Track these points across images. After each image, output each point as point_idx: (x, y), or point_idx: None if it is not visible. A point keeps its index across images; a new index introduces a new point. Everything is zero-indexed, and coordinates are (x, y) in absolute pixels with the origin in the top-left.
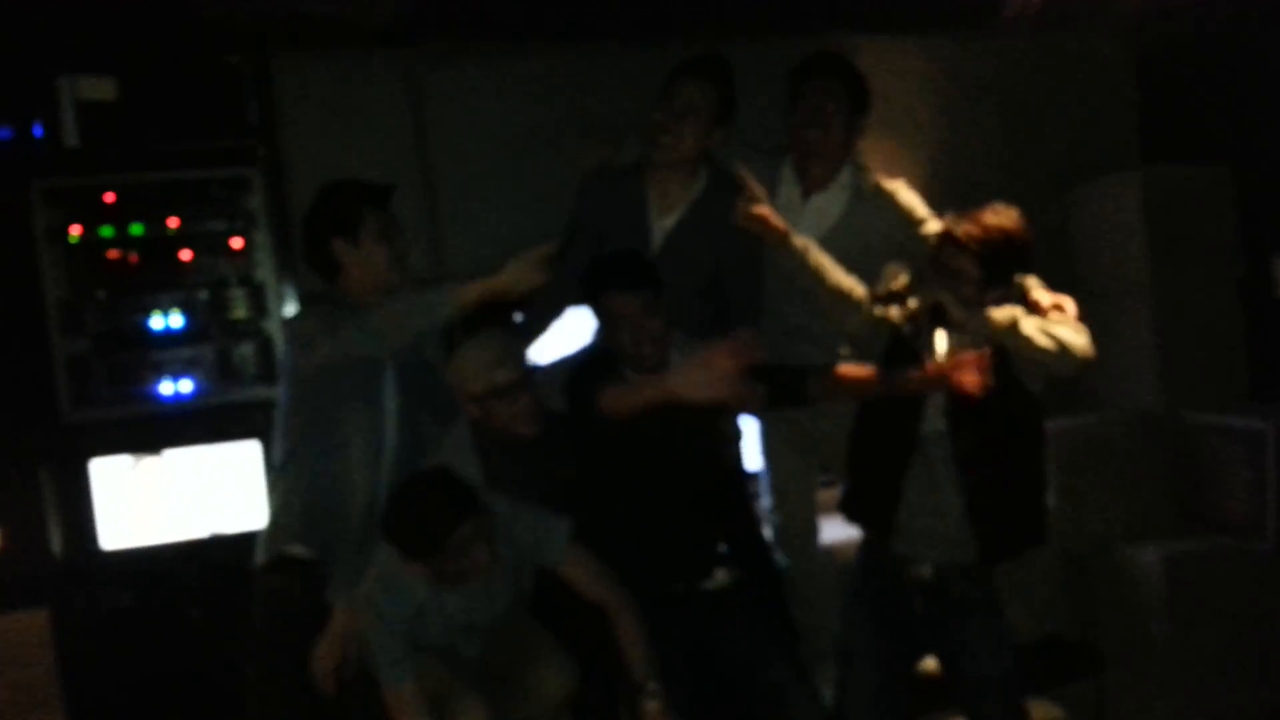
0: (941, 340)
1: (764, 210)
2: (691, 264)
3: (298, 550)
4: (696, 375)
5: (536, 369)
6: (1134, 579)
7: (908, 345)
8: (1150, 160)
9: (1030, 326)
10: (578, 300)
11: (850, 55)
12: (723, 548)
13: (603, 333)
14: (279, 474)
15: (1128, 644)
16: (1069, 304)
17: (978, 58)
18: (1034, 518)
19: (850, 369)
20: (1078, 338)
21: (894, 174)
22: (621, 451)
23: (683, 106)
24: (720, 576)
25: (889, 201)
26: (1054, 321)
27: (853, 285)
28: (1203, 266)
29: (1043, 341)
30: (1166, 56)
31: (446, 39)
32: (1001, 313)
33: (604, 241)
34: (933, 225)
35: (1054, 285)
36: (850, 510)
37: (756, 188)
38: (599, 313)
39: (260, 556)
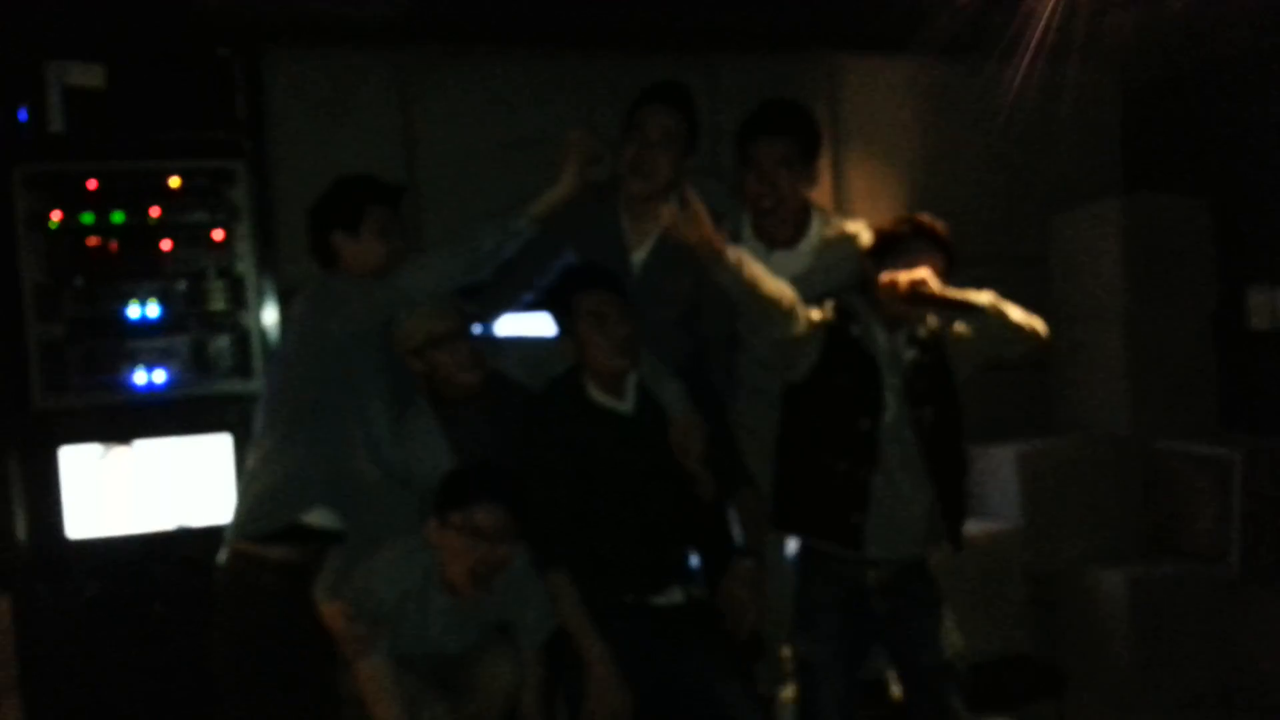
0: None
1: (703, 222)
2: (667, 294)
3: (318, 519)
4: None
5: (500, 340)
6: (1099, 601)
7: (853, 344)
8: (1132, 190)
9: (1010, 308)
10: (532, 294)
11: (835, 75)
12: (693, 562)
13: (572, 342)
14: (281, 444)
15: (1091, 665)
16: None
17: (964, 83)
18: (964, 499)
19: None
20: (1037, 321)
21: (876, 196)
22: (583, 469)
23: (660, 136)
24: (674, 593)
25: (851, 247)
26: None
27: (784, 293)
28: (1178, 295)
29: (1022, 320)
30: (1151, 89)
31: (439, 41)
32: (982, 295)
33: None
34: (865, 234)
35: (1031, 309)
36: (796, 524)
37: (695, 200)
38: (571, 318)
39: (260, 526)
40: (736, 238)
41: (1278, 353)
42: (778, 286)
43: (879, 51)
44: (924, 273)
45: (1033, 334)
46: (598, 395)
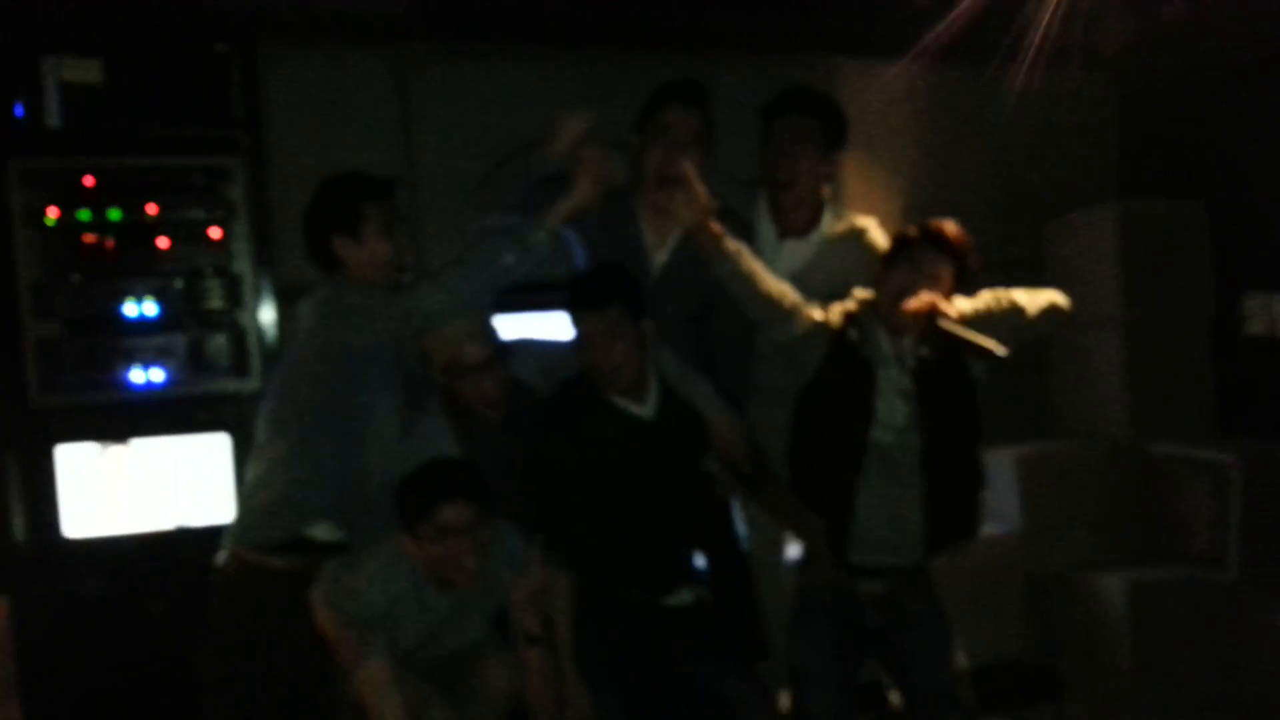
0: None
1: (700, 204)
2: (686, 294)
3: (322, 532)
4: None
5: (513, 344)
6: (1098, 606)
7: (851, 350)
8: (1127, 196)
9: (1025, 301)
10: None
11: (832, 78)
12: (699, 563)
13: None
14: (288, 456)
15: (1089, 670)
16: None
17: (961, 88)
18: (976, 511)
19: None
20: (1050, 294)
21: (873, 200)
22: (595, 469)
23: (684, 136)
24: (684, 594)
25: (860, 242)
26: (1003, 293)
27: (784, 292)
28: (1174, 300)
29: (1037, 310)
30: (1146, 95)
31: (437, 38)
32: (997, 298)
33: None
34: (874, 230)
35: None
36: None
37: (698, 185)
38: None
39: (265, 536)
40: (750, 230)
41: (1274, 358)
42: (778, 286)
43: (876, 56)
44: (940, 303)
45: (1052, 315)
46: (617, 400)
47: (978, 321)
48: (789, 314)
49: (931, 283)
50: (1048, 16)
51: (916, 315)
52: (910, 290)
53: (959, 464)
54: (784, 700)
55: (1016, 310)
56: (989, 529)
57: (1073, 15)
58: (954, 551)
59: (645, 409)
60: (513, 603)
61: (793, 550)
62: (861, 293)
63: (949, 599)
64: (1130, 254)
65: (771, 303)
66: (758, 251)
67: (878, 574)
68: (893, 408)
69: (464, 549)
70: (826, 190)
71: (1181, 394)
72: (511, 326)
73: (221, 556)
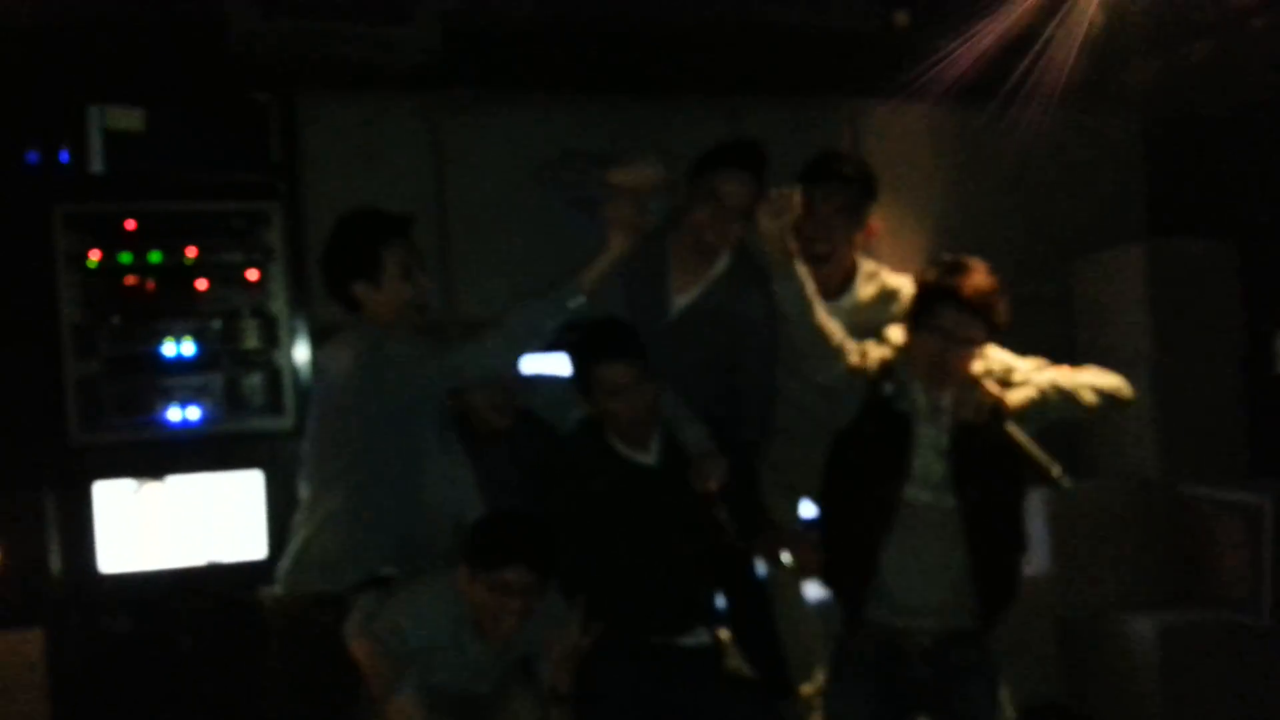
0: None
1: (790, 212)
2: (704, 340)
3: (390, 570)
4: None
5: (524, 376)
6: (1129, 649)
7: (886, 403)
8: (1156, 234)
9: (1074, 384)
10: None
11: (856, 120)
12: (718, 603)
13: (592, 400)
14: (348, 509)
15: (1121, 712)
16: (1024, 360)
17: (986, 128)
18: (1016, 573)
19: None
20: (1111, 379)
21: (899, 241)
22: (604, 518)
23: (734, 203)
24: (700, 634)
25: (893, 305)
26: (1065, 372)
27: (833, 329)
28: (1204, 340)
29: (1095, 394)
30: (1174, 133)
31: (469, 86)
32: (1042, 377)
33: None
34: (908, 289)
35: (1056, 354)
36: (830, 578)
37: (783, 199)
38: (587, 381)
39: (331, 585)
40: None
41: None
42: (831, 322)
43: (900, 97)
44: (1003, 399)
45: (1112, 403)
46: (621, 447)
47: (1036, 405)
48: (834, 352)
49: (966, 347)
50: (1074, 56)
51: (979, 408)
52: (945, 360)
53: (998, 525)
54: None
55: (1074, 399)
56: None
57: (1100, 54)
58: (1000, 619)
59: (649, 456)
60: (547, 660)
61: (813, 589)
62: (895, 334)
63: None
64: (1159, 293)
65: (822, 336)
66: None
67: (920, 632)
68: (929, 465)
69: (510, 609)
70: (859, 253)
71: (1212, 434)
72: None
73: (275, 591)
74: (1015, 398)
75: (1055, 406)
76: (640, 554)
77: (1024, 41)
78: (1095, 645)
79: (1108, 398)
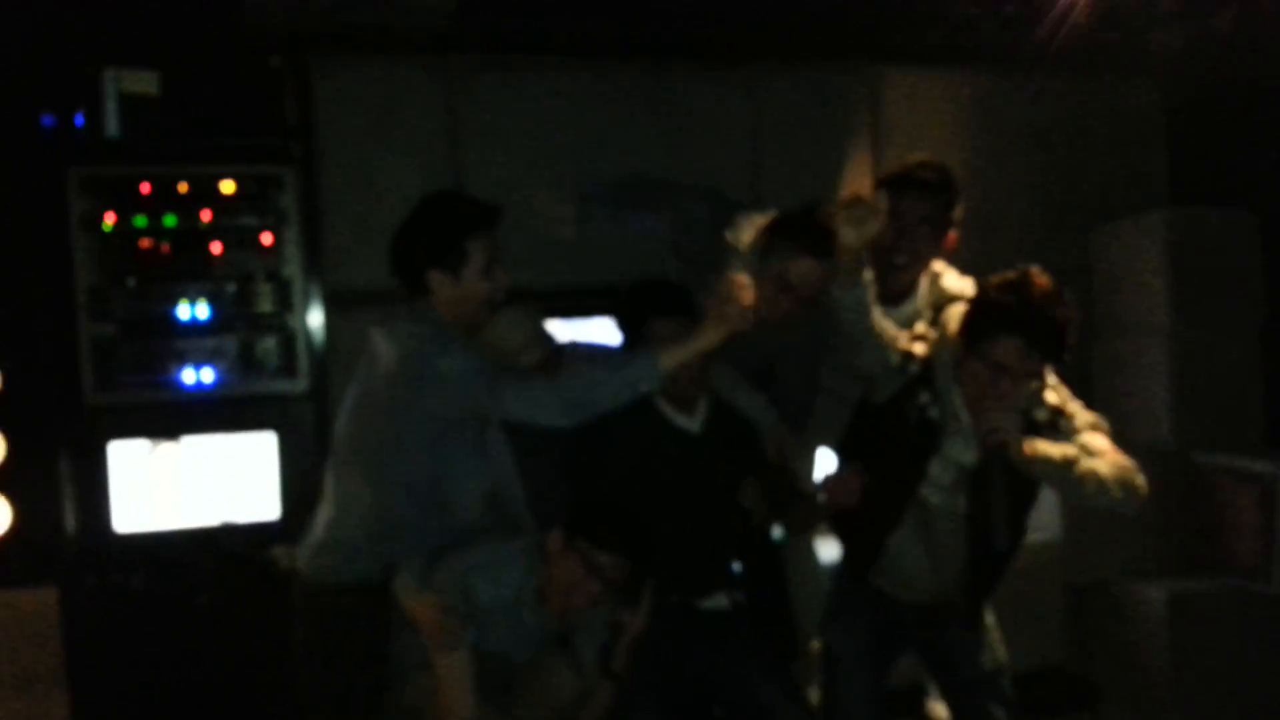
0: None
1: (878, 224)
2: (749, 349)
3: None
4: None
5: (571, 346)
6: (1137, 616)
7: (909, 400)
8: (1177, 203)
9: (1097, 471)
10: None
11: (878, 87)
12: (735, 567)
13: None
14: (376, 505)
15: (1127, 679)
16: (1082, 412)
17: (1009, 96)
18: (1005, 568)
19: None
20: (1138, 477)
21: None
22: (637, 476)
23: (804, 288)
24: (720, 598)
25: (954, 312)
26: (1100, 451)
27: (887, 329)
28: (1223, 310)
29: (1117, 494)
30: (1196, 103)
31: (483, 50)
32: (1056, 450)
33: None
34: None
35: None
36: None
37: (866, 208)
38: (640, 336)
39: (352, 575)
40: None
41: None
42: (884, 321)
43: (921, 63)
44: (1036, 450)
45: (1130, 495)
46: (666, 409)
47: (1057, 466)
48: (888, 345)
49: (1021, 382)
50: (1097, 24)
51: (1010, 443)
52: (994, 390)
53: (1002, 529)
54: (814, 695)
55: (1097, 478)
56: (1030, 537)
57: (1122, 22)
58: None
59: (693, 423)
60: (589, 633)
61: (826, 552)
62: (927, 332)
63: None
64: (1179, 263)
65: (874, 335)
66: None
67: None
68: (945, 469)
69: (589, 590)
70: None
71: (1229, 404)
72: (562, 330)
73: (290, 567)
74: (1041, 450)
75: (1063, 480)
76: (671, 516)
77: (1047, 8)
78: (1105, 612)
79: (1127, 489)
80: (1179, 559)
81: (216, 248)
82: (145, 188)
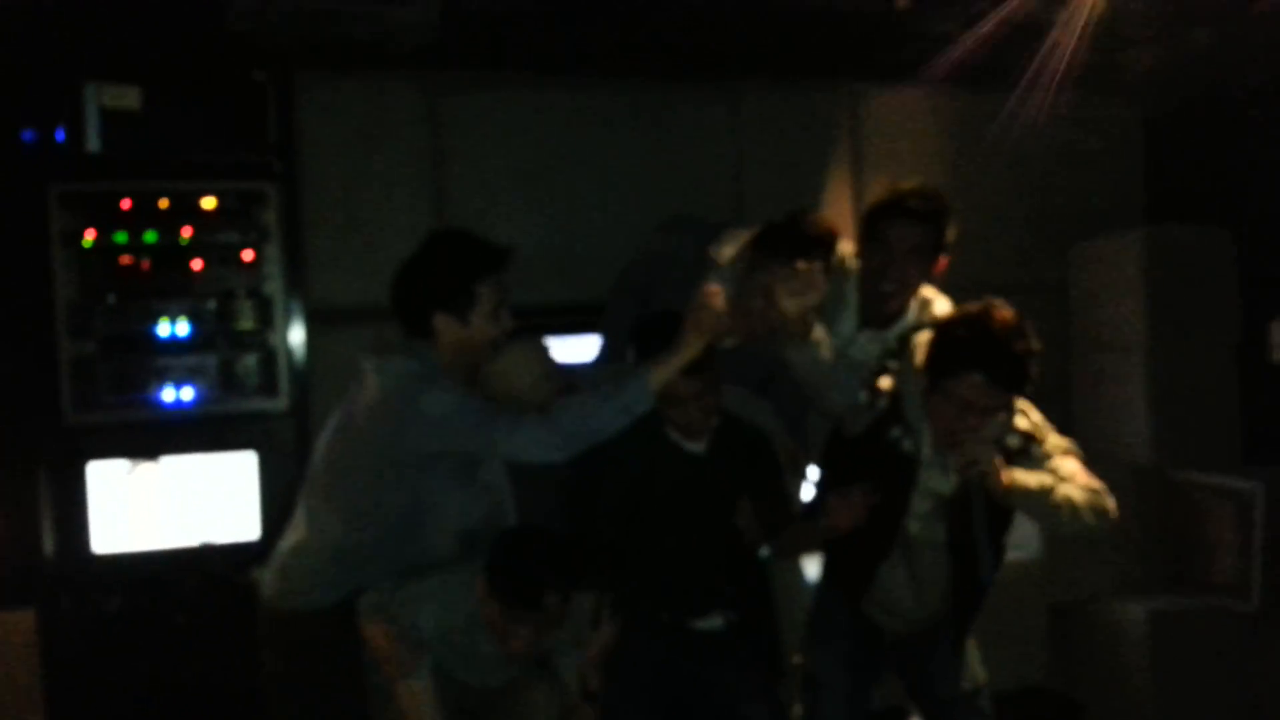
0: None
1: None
2: (748, 366)
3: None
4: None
5: (575, 370)
6: (1118, 634)
7: (894, 444)
8: (1154, 221)
9: (1071, 498)
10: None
11: (856, 104)
12: (728, 588)
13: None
14: (345, 538)
15: (1109, 697)
16: (1053, 436)
17: (986, 113)
18: (986, 591)
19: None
20: (1108, 500)
21: None
22: (637, 495)
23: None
24: (714, 618)
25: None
26: (1070, 475)
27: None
28: (1200, 327)
29: (1090, 520)
30: (1174, 120)
31: (468, 66)
32: (1034, 480)
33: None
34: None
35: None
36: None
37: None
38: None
39: (314, 604)
40: (835, 304)
41: None
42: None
43: (901, 81)
44: (1009, 479)
45: (1101, 519)
46: (671, 432)
47: (1034, 496)
48: (854, 385)
49: (985, 416)
50: (1073, 42)
51: (983, 475)
52: (959, 427)
53: (982, 553)
54: (797, 710)
55: (1071, 505)
56: (1011, 556)
57: (1101, 41)
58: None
59: (698, 446)
60: (567, 655)
61: (812, 571)
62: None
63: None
64: (1156, 280)
65: (835, 379)
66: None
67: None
68: (923, 500)
69: (521, 634)
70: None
71: (1206, 421)
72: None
73: (262, 579)
74: (1019, 480)
75: (1040, 509)
76: (673, 537)
77: (1026, 27)
78: (1086, 631)
79: (1099, 514)
80: (1159, 577)
81: (197, 264)
82: (126, 204)
